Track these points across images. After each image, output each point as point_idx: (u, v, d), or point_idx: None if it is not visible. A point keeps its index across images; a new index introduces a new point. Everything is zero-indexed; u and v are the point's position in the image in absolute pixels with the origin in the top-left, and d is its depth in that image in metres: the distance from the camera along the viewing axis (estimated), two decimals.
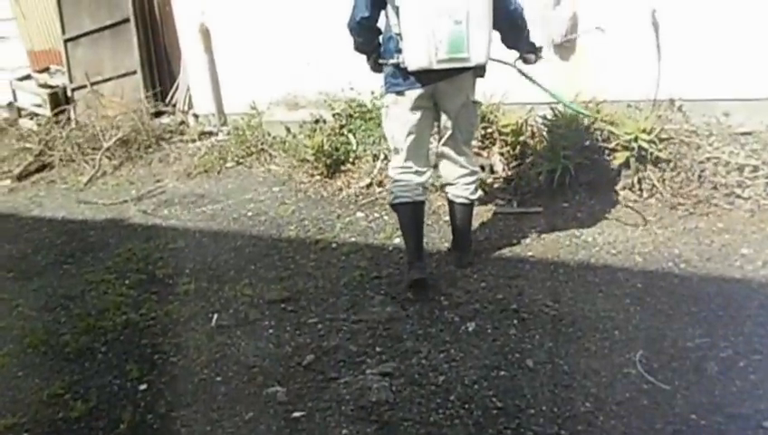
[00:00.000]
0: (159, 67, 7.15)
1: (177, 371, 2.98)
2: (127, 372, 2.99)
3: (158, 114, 6.82)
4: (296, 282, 3.63)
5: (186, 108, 6.74)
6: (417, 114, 3.20)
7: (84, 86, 7.16)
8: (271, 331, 3.20)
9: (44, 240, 4.72)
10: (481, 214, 4.10)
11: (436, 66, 2.94)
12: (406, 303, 3.28)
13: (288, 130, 5.44)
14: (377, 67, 3.29)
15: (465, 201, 3.45)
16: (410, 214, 3.36)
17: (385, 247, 3.91)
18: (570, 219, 3.97)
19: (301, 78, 5.78)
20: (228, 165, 5.55)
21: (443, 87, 3.13)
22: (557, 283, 3.33)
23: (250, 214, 4.66)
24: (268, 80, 5.92)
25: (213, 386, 2.83)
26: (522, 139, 4.43)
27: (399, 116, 3.22)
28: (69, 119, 7.03)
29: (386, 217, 4.28)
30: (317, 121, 5.29)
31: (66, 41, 7.46)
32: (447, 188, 3.50)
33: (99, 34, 7.32)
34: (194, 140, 6.18)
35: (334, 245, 4.02)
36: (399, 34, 2.99)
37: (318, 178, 4.92)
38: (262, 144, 5.56)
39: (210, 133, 6.27)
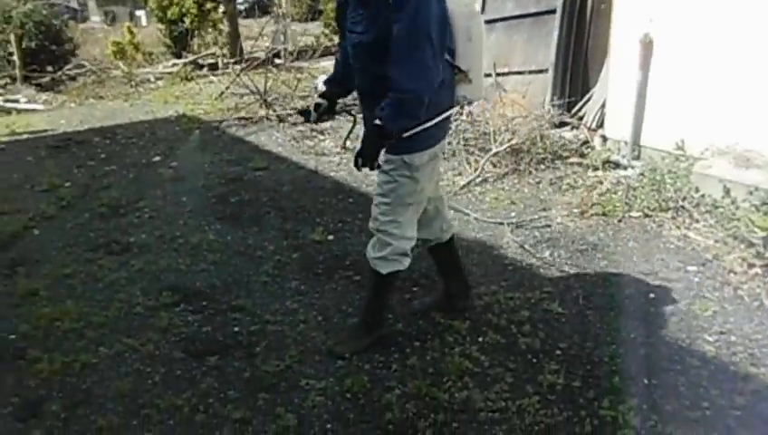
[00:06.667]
0: (573, 72, 6.22)
1: None
2: None
3: (559, 125, 5.92)
4: None
5: (594, 126, 5.71)
6: None
7: (489, 75, 6.56)
8: None
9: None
10: None
11: None
12: None
13: (727, 191, 4.07)
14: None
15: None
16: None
17: None
18: None
19: (761, 127, 4.35)
20: (633, 214, 4.35)
21: None
22: None
23: (652, 296, 3.46)
24: (709, 118, 4.61)
25: None
26: None
27: (430, 175, 2.81)
28: (463, 107, 6.50)
29: None
30: None
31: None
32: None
33: (518, 21, 6.68)
34: (595, 168, 5.11)
35: None
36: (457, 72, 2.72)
37: (759, 272, 3.52)
38: (683, 199, 4.26)
39: (616, 164, 5.15)
